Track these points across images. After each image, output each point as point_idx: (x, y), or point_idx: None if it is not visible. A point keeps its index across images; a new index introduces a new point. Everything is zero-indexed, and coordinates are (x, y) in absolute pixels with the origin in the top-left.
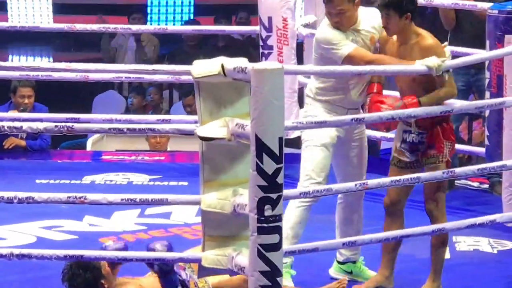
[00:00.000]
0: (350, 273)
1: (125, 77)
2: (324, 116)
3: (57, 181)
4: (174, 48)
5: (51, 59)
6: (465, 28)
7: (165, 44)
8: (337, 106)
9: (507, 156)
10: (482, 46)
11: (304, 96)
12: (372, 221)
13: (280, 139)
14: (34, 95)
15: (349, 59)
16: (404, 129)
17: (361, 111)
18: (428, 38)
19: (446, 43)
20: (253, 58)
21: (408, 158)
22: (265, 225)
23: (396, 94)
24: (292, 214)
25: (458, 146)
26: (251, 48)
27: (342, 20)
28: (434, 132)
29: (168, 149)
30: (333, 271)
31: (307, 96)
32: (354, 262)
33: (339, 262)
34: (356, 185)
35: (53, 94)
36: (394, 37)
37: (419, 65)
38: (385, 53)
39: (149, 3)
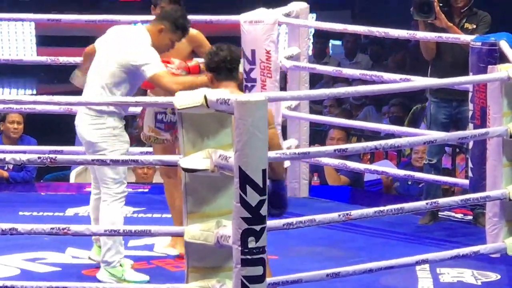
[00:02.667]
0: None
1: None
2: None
3: (41, 213)
4: None
5: (34, 91)
6: (446, 58)
7: None
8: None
9: (490, 187)
10: (463, 75)
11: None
12: (355, 252)
13: (264, 171)
14: (23, 123)
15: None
16: (158, 111)
17: None
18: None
19: None
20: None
21: (164, 136)
22: (248, 257)
23: None
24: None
25: (441, 178)
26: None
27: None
28: None
29: (154, 181)
30: (93, 254)
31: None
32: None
33: (99, 246)
34: (339, 215)
35: (37, 126)
36: None
37: None
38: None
39: None
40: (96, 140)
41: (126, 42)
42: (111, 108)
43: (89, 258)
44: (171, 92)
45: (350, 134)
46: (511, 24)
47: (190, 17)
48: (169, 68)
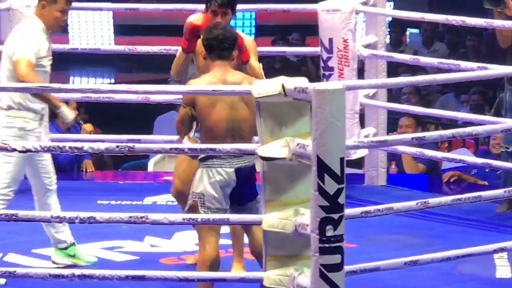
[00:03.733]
0: (73, 256)
1: None
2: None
3: (119, 202)
4: None
5: (112, 80)
6: None
7: None
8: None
9: None
10: None
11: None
12: (433, 240)
13: (342, 159)
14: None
15: None
16: None
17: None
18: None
19: None
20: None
21: None
22: (326, 245)
23: None
24: None
25: None
26: (303, 68)
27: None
28: None
29: None
30: (57, 257)
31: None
32: (74, 244)
33: (60, 249)
34: (417, 203)
35: (114, 115)
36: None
37: None
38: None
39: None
40: None
41: (11, 36)
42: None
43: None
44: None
45: (420, 121)
46: None
47: (268, 6)
48: None
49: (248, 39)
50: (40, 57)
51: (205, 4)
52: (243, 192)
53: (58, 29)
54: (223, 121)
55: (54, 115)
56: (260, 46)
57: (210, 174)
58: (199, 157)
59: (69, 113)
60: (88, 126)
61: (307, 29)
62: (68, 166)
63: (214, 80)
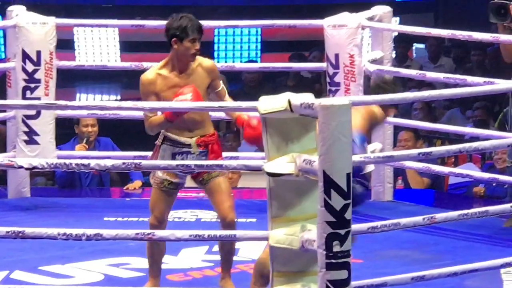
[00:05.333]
0: None
1: None
2: None
3: (125, 219)
4: (236, 88)
5: (118, 97)
6: None
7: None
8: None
9: None
10: None
11: None
12: (439, 255)
13: (348, 174)
14: (98, 126)
15: None
16: (175, 152)
17: None
18: (207, 59)
19: None
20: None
21: (180, 180)
22: (333, 261)
23: None
24: None
25: None
26: (317, 85)
27: None
28: (214, 148)
29: (239, 186)
30: None
31: None
32: None
33: None
34: (424, 219)
35: (121, 132)
36: (165, 72)
37: None
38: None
39: (216, 40)
40: None
41: None
42: None
43: None
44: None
45: (426, 136)
46: None
47: (276, 22)
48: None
49: (212, 63)
50: None
51: (175, 37)
52: None
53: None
54: None
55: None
56: (266, 61)
57: None
58: None
59: None
60: (80, 147)
61: (314, 45)
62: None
63: None
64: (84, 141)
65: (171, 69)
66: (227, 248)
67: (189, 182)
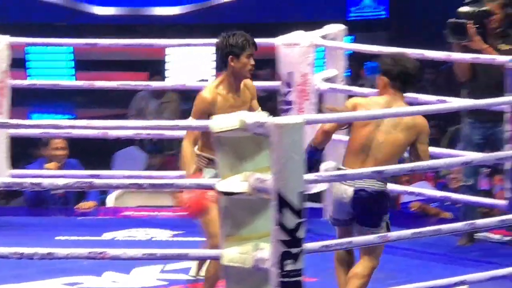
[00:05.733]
0: None
1: (146, 134)
2: None
3: (78, 238)
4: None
5: (72, 116)
6: (481, 79)
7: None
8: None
9: None
10: (498, 96)
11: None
12: (393, 274)
13: (301, 193)
14: (67, 149)
15: None
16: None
17: None
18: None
19: None
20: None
21: None
22: (286, 279)
23: None
24: None
25: (479, 199)
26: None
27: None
28: None
29: None
30: None
31: None
32: None
33: None
34: (377, 237)
35: (74, 151)
36: (223, 91)
37: None
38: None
39: (168, 59)
40: None
41: None
42: None
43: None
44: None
45: None
46: None
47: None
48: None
49: (252, 82)
50: None
51: (231, 54)
52: (360, 214)
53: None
54: (362, 139)
55: None
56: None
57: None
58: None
59: None
60: (51, 165)
61: (267, 63)
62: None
63: (383, 103)
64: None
65: (228, 88)
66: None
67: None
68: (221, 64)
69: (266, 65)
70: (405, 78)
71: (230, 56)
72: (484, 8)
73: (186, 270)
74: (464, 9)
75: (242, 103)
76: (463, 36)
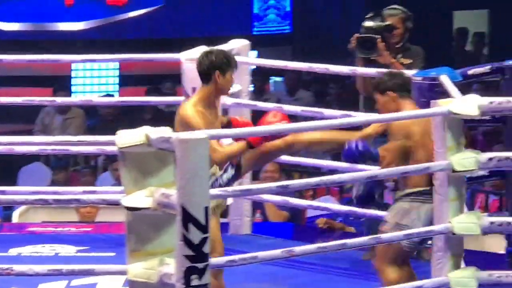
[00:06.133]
0: None
1: (51, 149)
2: None
3: None
4: (93, 122)
5: None
6: None
7: (88, 117)
8: None
9: (436, 221)
10: None
11: None
12: None
13: (206, 208)
14: None
15: None
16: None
17: None
18: None
19: None
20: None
21: None
22: None
23: None
24: None
25: (384, 213)
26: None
27: None
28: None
29: (97, 220)
30: None
31: None
32: None
33: None
34: (282, 252)
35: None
36: (202, 109)
37: None
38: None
39: (73, 75)
40: None
41: None
42: None
43: None
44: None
45: (285, 169)
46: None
47: (133, 56)
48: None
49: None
50: None
51: (218, 70)
52: None
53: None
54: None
55: None
56: (124, 95)
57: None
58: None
59: None
60: None
61: (172, 78)
62: None
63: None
64: None
65: (208, 105)
66: None
67: (51, 216)
68: (203, 80)
69: (170, 80)
70: (406, 84)
71: (217, 72)
72: (387, 23)
73: (92, 286)
74: (369, 23)
75: (216, 119)
76: (371, 51)
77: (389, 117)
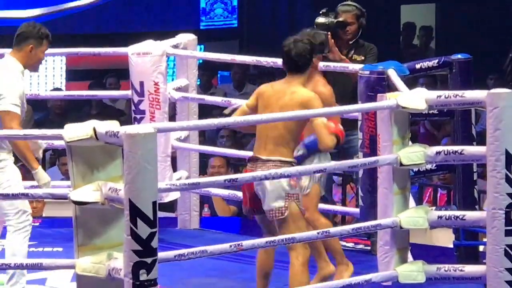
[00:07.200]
0: None
1: None
2: None
3: None
4: (41, 116)
5: None
6: (334, 88)
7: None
8: None
9: (381, 215)
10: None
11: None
12: (247, 283)
13: (154, 203)
14: None
15: None
16: None
17: None
18: None
19: None
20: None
21: None
22: None
23: None
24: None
25: (332, 207)
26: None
27: None
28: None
29: (44, 215)
30: None
31: None
32: None
33: None
34: (230, 246)
35: None
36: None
37: None
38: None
39: None
40: None
41: None
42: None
43: None
44: None
45: (232, 164)
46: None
47: (80, 50)
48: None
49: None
50: (22, 100)
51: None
52: None
53: (37, 69)
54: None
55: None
56: (71, 89)
57: None
58: None
59: (43, 177)
60: None
61: (119, 73)
62: None
63: None
64: None
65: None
66: None
67: None
68: (304, 65)
69: (114, 75)
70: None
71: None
72: (340, 19)
73: (39, 281)
74: (321, 20)
75: None
76: (323, 47)
77: (334, 110)
